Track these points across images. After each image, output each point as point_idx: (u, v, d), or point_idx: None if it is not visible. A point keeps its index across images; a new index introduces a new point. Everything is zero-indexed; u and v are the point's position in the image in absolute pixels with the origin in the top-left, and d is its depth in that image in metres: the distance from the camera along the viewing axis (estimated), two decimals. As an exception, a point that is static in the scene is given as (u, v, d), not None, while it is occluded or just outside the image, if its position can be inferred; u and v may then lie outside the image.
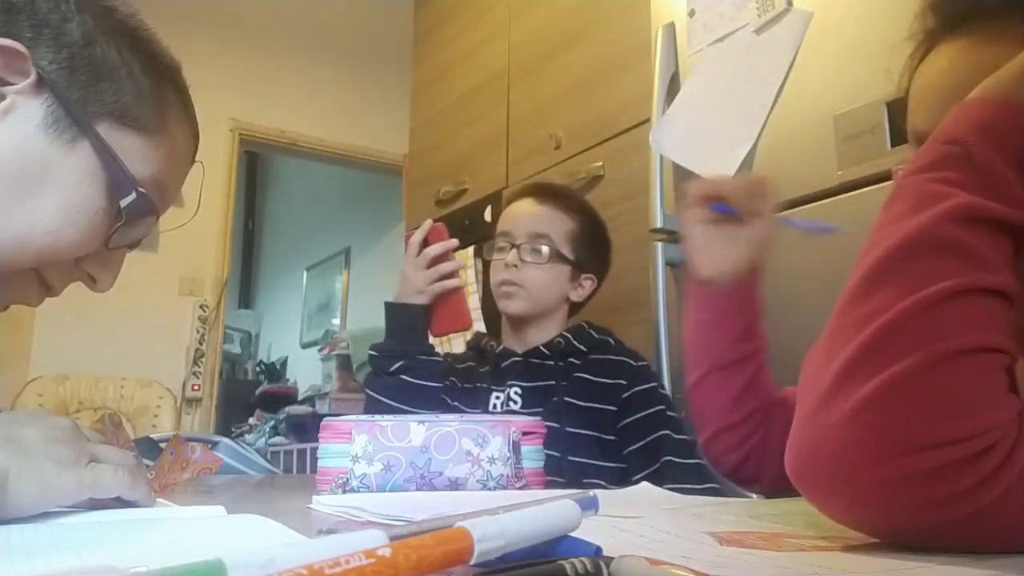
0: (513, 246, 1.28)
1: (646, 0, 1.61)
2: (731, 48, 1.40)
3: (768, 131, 1.30)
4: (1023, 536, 0.38)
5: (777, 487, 0.72)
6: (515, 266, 1.26)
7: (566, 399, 1.18)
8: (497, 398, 1.24)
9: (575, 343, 1.25)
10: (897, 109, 0.76)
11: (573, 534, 0.34)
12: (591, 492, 0.39)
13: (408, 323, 1.22)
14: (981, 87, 0.47)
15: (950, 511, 0.37)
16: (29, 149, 0.60)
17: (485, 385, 1.26)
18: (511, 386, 1.24)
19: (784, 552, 0.39)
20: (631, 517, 0.53)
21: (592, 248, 1.33)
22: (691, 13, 1.49)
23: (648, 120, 1.51)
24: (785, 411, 0.74)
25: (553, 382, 1.21)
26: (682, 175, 1.46)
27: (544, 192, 1.35)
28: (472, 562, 0.28)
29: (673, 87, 1.49)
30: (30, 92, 0.60)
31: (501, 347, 1.29)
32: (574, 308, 1.34)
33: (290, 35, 4.06)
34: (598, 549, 0.33)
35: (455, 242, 1.22)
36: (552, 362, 1.24)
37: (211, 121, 3.79)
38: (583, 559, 0.29)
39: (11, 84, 0.60)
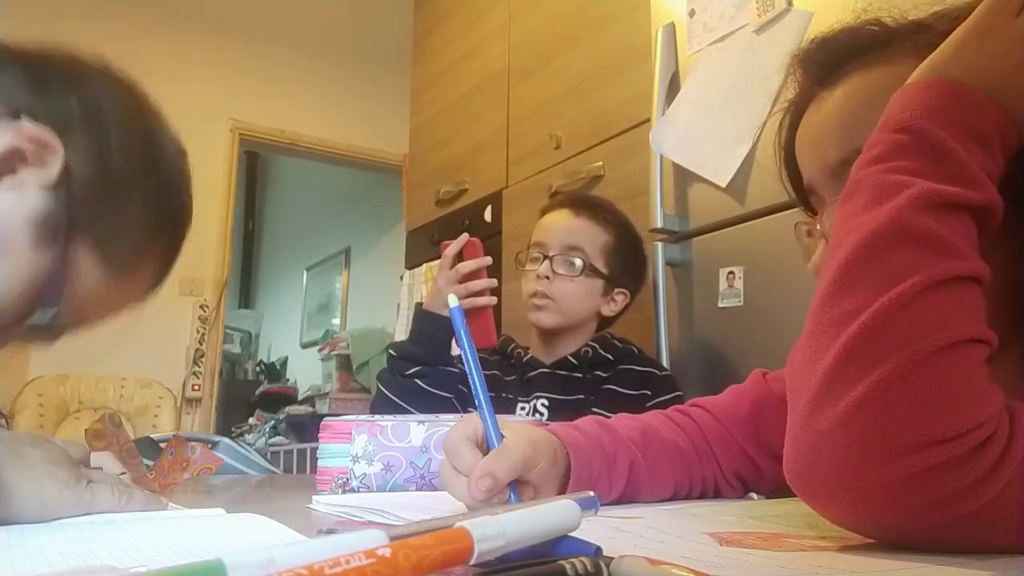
0: (546, 258, 1.27)
1: (646, 0, 1.61)
2: (731, 48, 1.40)
3: (768, 131, 1.30)
4: (1021, 538, 0.38)
5: (777, 491, 0.72)
6: (547, 278, 1.26)
7: (593, 411, 1.18)
8: (523, 409, 1.24)
9: (602, 352, 1.25)
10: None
11: (573, 534, 0.34)
12: (590, 492, 0.39)
13: (434, 334, 1.21)
14: (918, 71, 0.46)
15: (952, 509, 0.37)
16: (6, 227, 0.60)
17: (511, 396, 1.26)
18: (537, 397, 1.24)
19: (784, 552, 0.39)
20: (631, 518, 0.53)
21: (627, 262, 1.32)
22: (691, 13, 1.49)
23: (648, 120, 1.51)
24: (712, 434, 0.72)
25: (582, 396, 1.21)
26: (682, 175, 1.46)
27: (580, 204, 1.34)
28: (472, 562, 0.28)
29: (673, 87, 1.49)
30: (43, 185, 0.61)
31: (528, 356, 1.29)
32: (604, 322, 1.33)
33: (290, 35, 4.06)
34: (598, 549, 0.33)
35: (488, 260, 1.20)
36: (580, 374, 1.24)
37: (211, 121, 3.81)
38: (583, 559, 0.29)
39: (30, 166, 0.61)
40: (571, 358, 1.25)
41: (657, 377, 1.23)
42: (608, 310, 1.31)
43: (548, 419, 1.20)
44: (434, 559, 0.26)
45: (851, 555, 0.38)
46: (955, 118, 0.43)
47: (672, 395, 1.21)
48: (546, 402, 1.23)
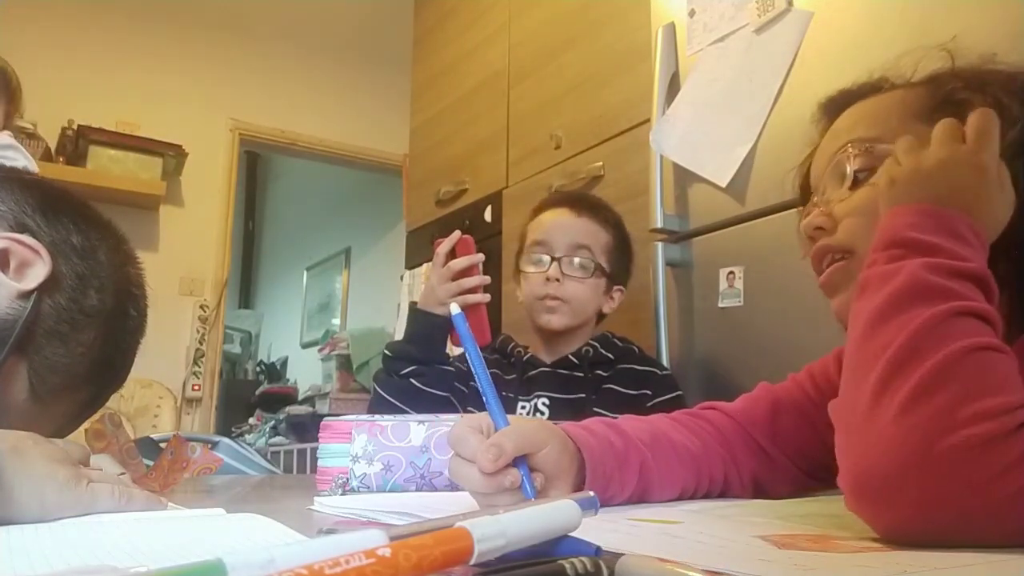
0: (553, 259, 1.26)
1: (646, 0, 1.61)
2: (731, 48, 1.40)
3: (768, 131, 1.30)
4: None
5: (790, 494, 0.74)
6: (557, 280, 1.24)
7: (594, 410, 1.17)
8: (523, 408, 1.24)
9: (603, 351, 1.24)
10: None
11: (622, 537, 0.34)
12: (590, 492, 0.39)
13: (428, 333, 1.20)
14: (893, 199, 0.53)
15: (1005, 484, 0.39)
16: None
17: (511, 395, 1.26)
18: (538, 396, 1.23)
19: (844, 554, 0.38)
20: (673, 522, 0.52)
21: (623, 260, 1.33)
22: (691, 13, 1.49)
23: (648, 120, 1.51)
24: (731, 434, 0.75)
25: (583, 395, 1.21)
26: (682, 175, 1.46)
27: (579, 203, 1.33)
28: (472, 562, 0.28)
29: (673, 87, 1.49)
30: (11, 295, 0.64)
31: (528, 355, 1.28)
32: (598, 319, 1.34)
33: (290, 35, 4.06)
34: (598, 549, 0.33)
35: (481, 257, 1.20)
36: (580, 374, 1.23)
37: (211, 121, 3.81)
38: (583, 559, 0.29)
39: (9, 273, 0.64)
40: (572, 357, 1.25)
41: (657, 377, 1.23)
42: (608, 308, 1.31)
43: (549, 418, 1.19)
44: (434, 559, 0.26)
45: (914, 552, 0.39)
46: (933, 226, 0.50)
47: (672, 395, 1.21)
48: (547, 401, 1.23)
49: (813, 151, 0.72)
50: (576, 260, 1.26)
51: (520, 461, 0.54)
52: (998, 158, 0.54)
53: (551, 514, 0.33)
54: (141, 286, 0.76)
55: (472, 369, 0.56)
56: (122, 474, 0.71)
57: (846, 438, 0.45)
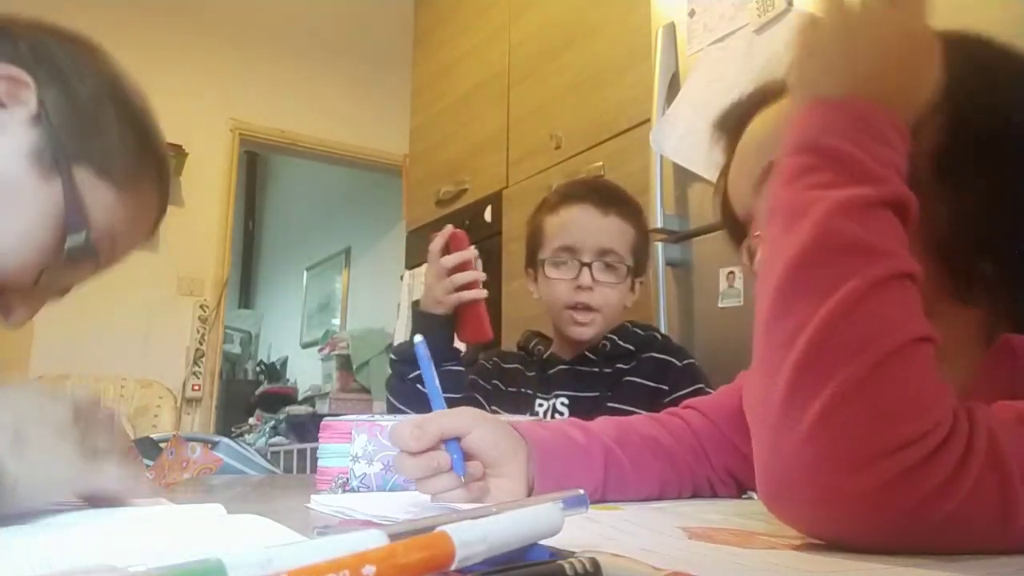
0: (582, 264, 1.18)
1: (646, 0, 1.61)
2: (731, 48, 1.40)
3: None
4: (1000, 535, 0.37)
5: None
6: (589, 288, 1.17)
7: (610, 405, 1.12)
8: (541, 406, 1.21)
9: (621, 343, 1.19)
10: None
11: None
12: (580, 491, 0.38)
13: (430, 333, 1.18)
14: (796, 99, 0.49)
15: (932, 510, 0.37)
16: (5, 171, 0.63)
17: (530, 392, 1.22)
18: (557, 396, 1.20)
19: (751, 549, 0.38)
20: (611, 509, 0.53)
21: (645, 253, 1.26)
22: (691, 13, 1.49)
23: (648, 120, 1.51)
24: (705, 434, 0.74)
25: (598, 393, 1.17)
26: (682, 175, 1.46)
27: (605, 199, 1.22)
28: (453, 567, 0.27)
29: (673, 87, 1.50)
30: (26, 121, 0.64)
31: (548, 352, 1.24)
32: None
33: (290, 35, 4.06)
34: (552, 552, 0.32)
35: (473, 252, 1.15)
36: (598, 368, 1.19)
37: (211, 121, 3.81)
38: (583, 559, 0.29)
39: (5, 107, 0.64)
40: (589, 353, 1.20)
41: (676, 369, 1.17)
42: (630, 301, 1.25)
43: (569, 417, 1.17)
44: (414, 566, 0.25)
45: (819, 555, 0.38)
46: (844, 125, 0.45)
47: (691, 388, 1.14)
48: (566, 400, 1.19)
49: (725, 171, 0.71)
50: (606, 264, 1.18)
51: (452, 444, 0.58)
52: (926, 21, 0.49)
53: (533, 518, 0.32)
54: (108, 57, 0.75)
55: (424, 378, 0.61)
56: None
57: (762, 434, 0.42)
